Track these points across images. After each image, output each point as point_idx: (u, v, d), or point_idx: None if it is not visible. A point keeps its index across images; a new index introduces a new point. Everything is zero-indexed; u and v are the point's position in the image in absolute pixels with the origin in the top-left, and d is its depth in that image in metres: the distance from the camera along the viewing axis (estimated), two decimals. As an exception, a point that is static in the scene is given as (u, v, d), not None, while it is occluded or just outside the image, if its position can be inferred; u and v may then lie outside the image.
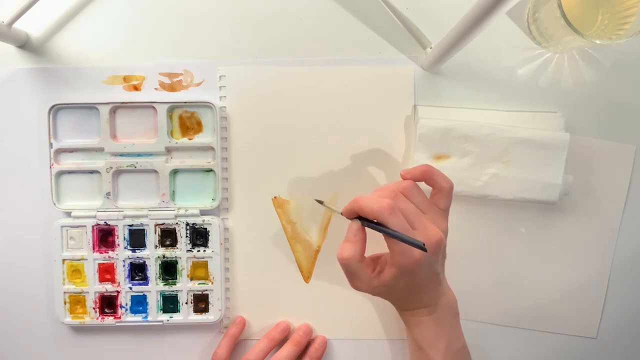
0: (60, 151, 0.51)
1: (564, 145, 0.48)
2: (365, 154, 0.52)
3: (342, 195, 0.52)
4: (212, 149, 0.51)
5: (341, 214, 0.43)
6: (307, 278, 0.53)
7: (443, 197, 0.42)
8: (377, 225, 0.39)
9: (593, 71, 0.51)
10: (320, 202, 0.49)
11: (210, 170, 0.51)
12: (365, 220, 0.40)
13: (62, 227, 0.51)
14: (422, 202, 0.42)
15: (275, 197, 0.52)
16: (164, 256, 0.51)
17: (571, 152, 0.48)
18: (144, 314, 0.52)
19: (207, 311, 0.52)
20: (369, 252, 0.43)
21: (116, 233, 0.51)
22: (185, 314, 0.52)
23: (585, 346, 0.53)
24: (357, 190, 0.52)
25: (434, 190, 0.43)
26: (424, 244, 0.37)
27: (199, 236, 0.52)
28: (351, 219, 0.42)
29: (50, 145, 0.51)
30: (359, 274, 0.41)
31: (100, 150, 0.51)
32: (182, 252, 0.51)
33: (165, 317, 0.52)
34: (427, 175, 0.43)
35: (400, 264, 0.40)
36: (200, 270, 0.52)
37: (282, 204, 0.52)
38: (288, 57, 0.51)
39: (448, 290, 0.45)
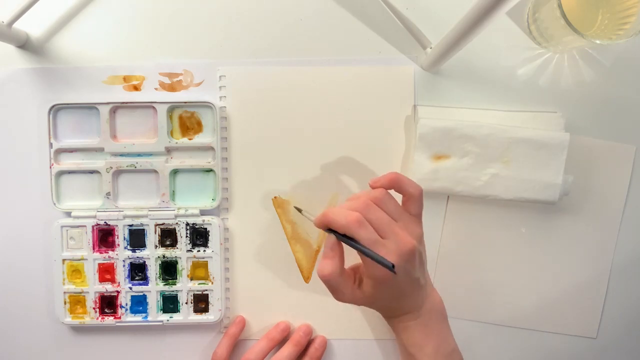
0: (60, 151, 0.51)
1: (564, 145, 0.48)
2: (366, 154, 0.52)
3: (342, 196, 0.52)
4: (212, 149, 0.51)
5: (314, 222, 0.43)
6: (307, 278, 0.53)
7: (413, 203, 0.42)
8: (348, 239, 0.39)
9: (593, 71, 0.51)
10: (299, 210, 0.49)
11: (210, 170, 0.51)
12: (337, 233, 0.40)
13: (62, 227, 0.51)
14: (393, 210, 0.42)
15: (275, 197, 0.52)
16: (164, 256, 0.51)
17: (571, 152, 0.48)
18: (144, 314, 0.52)
19: (207, 311, 0.52)
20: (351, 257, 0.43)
21: (116, 233, 0.51)
22: (185, 314, 0.52)
23: (585, 346, 0.53)
24: (357, 190, 0.52)
25: (404, 197, 0.43)
26: (393, 266, 0.37)
27: (199, 236, 0.52)
28: (325, 231, 0.42)
29: (50, 145, 0.51)
30: (341, 287, 0.41)
31: (100, 150, 0.51)
32: (182, 252, 0.51)
33: (165, 317, 0.52)
34: (395, 183, 0.42)
35: (375, 276, 0.40)
36: (200, 270, 0.52)
37: (282, 204, 0.52)
38: (288, 57, 0.51)
39: (432, 294, 0.45)
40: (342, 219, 0.39)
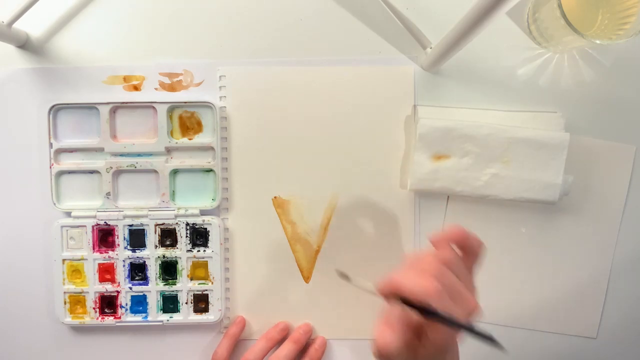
0: (60, 151, 0.51)
1: (564, 145, 0.48)
2: (365, 154, 0.52)
3: (342, 196, 0.52)
4: (212, 149, 0.51)
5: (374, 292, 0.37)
6: (307, 278, 0.53)
7: (476, 260, 0.38)
8: (421, 307, 0.34)
9: (593, 71, 0.51)
10: (346, 277, 0.42)
11: (210, 170, 0.51)
12: (410, 306, 0.35)
13: (62, 227, 0.51)
14: (460, 270, 0.37)
15: (275, 197, 0.52)
16: (164, 256, 0.51)
17: (571, 152, 0.48)
18: (144, 314, 0.52)
19: (207, 311, 0.52)
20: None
21: (116, 233, 0.51)
22: (185, 314, 0.52)
23: (585, 346, 0.53)
24: (357, 190, 0.52)
25: (464, 253, 0.38)
26: (493, 338, 0.33)
27: (199, 236, 0.52)
28: (387, 298, 0.36)
29: (50, 145, 0.51)
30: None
31: (100, 150, 0.51)
32: (182, 252, 0.51)
33: (165, 317, 0.52)
34: (460, 239, 0.38)
35: (442, 343, 0.35)
36: (200, 270, 0.52)
37: (282, 204, 0.52)
38: (288, 57, 0.51)
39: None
40: (417, 288, 0.33)
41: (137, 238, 0.52)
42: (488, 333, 0.33)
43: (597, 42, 0.43)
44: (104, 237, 0.52)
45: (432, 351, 0.36)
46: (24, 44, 0.51)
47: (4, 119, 0.52)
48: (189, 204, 0.52)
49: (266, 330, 0.52)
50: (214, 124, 0.51)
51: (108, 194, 0.51)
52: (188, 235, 0.51)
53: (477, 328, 0.33)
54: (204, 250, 0.51)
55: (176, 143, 0.51)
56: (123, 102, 0.50)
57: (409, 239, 0.52)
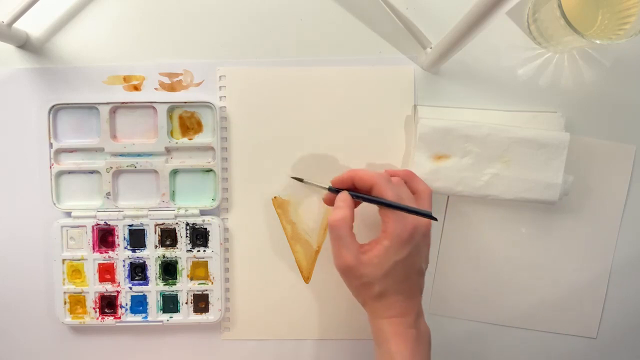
0: (60, 151, 0.51)
1: (564, 145, 0.48)
2: (365, 154, 0.52)
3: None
4: (212, 149, 0.51)
5: (328, 188, 0.45)
6: (307, 278, 0.53)
7: (423, 200, 0.44)
8: (369, 197, 0.42)
9: (593, 71, 0.51)
10: (300, 180, 0.49)
11: (210, 170, 0.51)
12: (355, 194, 0.43)
13: (62, 227, 0.51)
14: (409, 196, 0.44)
15: (275, 197, 0.52)
16: (164, 256, 0.51)
17: (571, 152, 0.48)
18: (144, 314, 0.52)
19: (207, 311, 0.52)
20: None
21: (116, 233, 0.51)
22: (185, 314, 0.52)
23: (585, 346, 0.53)
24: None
25: (415, 195, 0.45)
26: (431, 213, 0.40)
27: (199, 236, 0.52)
28: (336, 192, 0.44)
29: (50, 145, 0.51)
30: (348, 241, 0.41)
31: (100, 150, 0.51)
32: (182, 252, 0.51)
33: (165, 317, 0.52)
34: (408, 178, 0.45)
35: (394, 234, 0.41)
36: (200, 270, 0.52)
37: (282, 204, 0.52)
38: (288, 57, 0.51)
39: (424, 320, 0.44)
40: (371, 172, 0.43)
41: (137, 238, 0.52)
42: (427, 211, 0.41)
43: (597, 42, 0.43)
44: (104, 237, 0.52)
45: (386, 245, 0.41)
46: (24, 44, 0.51)
47: (4, 119, 0.52)
48: (189, 204, 0.52)
49: (266, 330, 0.52)
50: (214, 124, 0.51)
51: (108, 194, 0.51)
52: (188, 235, 0.51)
53: (413, 208, 0.41)
54: (204, 250, 0.51)
55: (176, 143, 0.51)
56: (123, 102, 0.50)
57: (409, 239, 0.52)
